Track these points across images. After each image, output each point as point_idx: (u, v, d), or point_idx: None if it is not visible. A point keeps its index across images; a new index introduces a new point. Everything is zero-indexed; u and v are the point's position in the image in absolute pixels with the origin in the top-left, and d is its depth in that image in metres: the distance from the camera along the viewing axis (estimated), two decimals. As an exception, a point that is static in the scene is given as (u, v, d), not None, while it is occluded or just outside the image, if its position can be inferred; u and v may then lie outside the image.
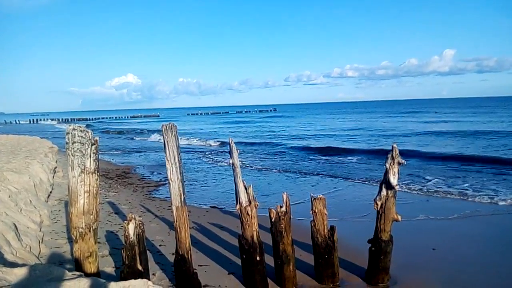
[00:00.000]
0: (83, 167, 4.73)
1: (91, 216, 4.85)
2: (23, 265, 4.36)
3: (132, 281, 3.88)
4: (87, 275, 4.58)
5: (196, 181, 15.90)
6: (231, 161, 5.79)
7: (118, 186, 14.72)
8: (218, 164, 21.43)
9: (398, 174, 5.78)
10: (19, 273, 3.94)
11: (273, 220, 5.95)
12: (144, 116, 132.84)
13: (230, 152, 5.84)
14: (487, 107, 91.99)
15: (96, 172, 4.85)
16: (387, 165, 5.79)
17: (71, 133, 4.69)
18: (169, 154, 5.33)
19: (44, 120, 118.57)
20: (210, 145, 34.33)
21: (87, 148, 4.73)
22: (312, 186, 14.73)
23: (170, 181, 5.39)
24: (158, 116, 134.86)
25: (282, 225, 5.92)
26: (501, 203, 11.17)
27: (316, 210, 6.01)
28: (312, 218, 6.08)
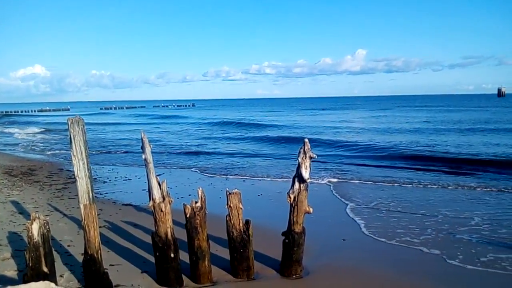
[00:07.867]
0: (-23, 164, 4.35)
1: (-12, 216, 4.48)
2: None
3: (33, 284, 3.64)
4: (-18, 280, 4.23)
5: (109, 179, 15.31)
6: (143, 156, 5.62)
7: (23, 184, 13.73)
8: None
9: (310, 168, 5.96)
10: None
11: (188, 216, 5.88)
12: (53, 110, 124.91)
13: (143, 147, 5.67)
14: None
15: (-7, 169, 4.48)
16: (299, 159, 5.93)
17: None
18: (76, 149, 5.05)
19: None
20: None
21: (-17, 143, 4.35)
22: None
23: (77, 178, 5.13)
24: (68, 109, 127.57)
25: (197, 221, 5.86)
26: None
27: (232, 205, 6.03)
28: (227, 213, 6.10)
